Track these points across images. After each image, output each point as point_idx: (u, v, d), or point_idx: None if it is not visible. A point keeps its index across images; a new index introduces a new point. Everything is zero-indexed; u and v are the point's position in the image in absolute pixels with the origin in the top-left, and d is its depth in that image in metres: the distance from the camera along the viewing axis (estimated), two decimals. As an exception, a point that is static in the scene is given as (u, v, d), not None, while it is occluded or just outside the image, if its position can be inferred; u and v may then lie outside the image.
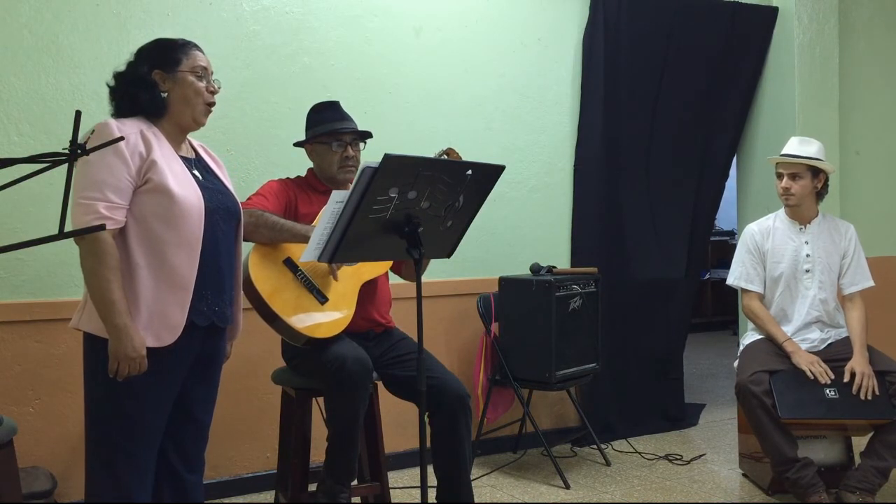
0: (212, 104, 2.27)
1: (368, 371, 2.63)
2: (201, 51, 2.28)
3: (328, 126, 2.87)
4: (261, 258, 2.66)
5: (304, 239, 2.57)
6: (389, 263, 2.95)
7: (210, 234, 2.17)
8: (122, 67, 2.24)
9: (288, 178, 2.95)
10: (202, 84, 2.24)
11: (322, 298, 2.67)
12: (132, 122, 2.15)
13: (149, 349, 2.07)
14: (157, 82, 2.20)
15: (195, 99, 2.22)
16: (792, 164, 3.37)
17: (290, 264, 2.68)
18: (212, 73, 2.29)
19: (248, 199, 2.79)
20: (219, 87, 2.30)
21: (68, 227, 1.99)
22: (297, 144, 3.00)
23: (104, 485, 2.13)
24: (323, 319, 2.65)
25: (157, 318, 2.09)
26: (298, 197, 2.86)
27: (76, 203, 2.06)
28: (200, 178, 2.23)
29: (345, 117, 2.91)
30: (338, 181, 2.86)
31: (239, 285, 2.40)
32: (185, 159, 2.23)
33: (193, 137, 2.39)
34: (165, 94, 2.20)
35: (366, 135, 2.94)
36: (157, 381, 2.13)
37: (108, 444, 2.12)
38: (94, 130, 2.05)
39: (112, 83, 2.24)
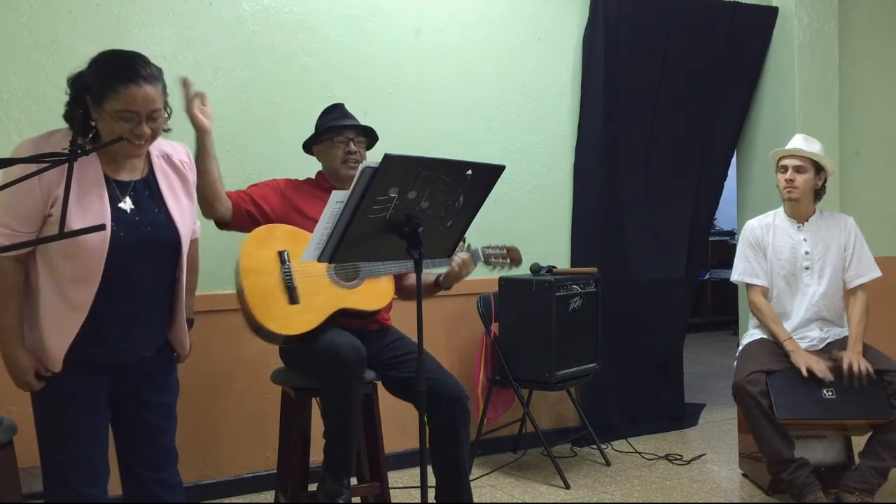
0: (139, 144, 2.02)
1: (362, 358, 2.64)
2: (145, 86, 1.98)
3: (329, 123, 2.95)
4: (262, 238, 2.73)
5: None
6: (383, 302, 2.86)
7: (123, 269, 2.03)
8: (75, 71, 2.10)
9: (298, 179, 2.98)
10: (127, 126, 1.98)
11: (293, 300, 2.69)
12: (59, 141, 1.99)
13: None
14: (88, 107, 2.03)
15: None
16: (797, 156, 3.39)
17: (282, 258, 2.72)
18: (154, 110, 2.01)
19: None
20: (150, 133, 2.02)
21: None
22: (305, 148, 3.05)
23: (56, 483, 2.12)
24: (279, 314, 2.65)
25: (40, 348, 2.05)
26: (302, 200, 2.87)
27: None
28: (132, 207, 2.07)
29: (346, 115, 3.00)
30: (341, 176, 2.90)
31: (181, 313, 2.23)
32: (121, 183, 2.08)
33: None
34: (94, 123, 2.04)
35: (368, 130, 2.98)
36: (76, 391, 2.10)
37: (53, 448, 2.11)
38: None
39: (68, 90, 2.10)
